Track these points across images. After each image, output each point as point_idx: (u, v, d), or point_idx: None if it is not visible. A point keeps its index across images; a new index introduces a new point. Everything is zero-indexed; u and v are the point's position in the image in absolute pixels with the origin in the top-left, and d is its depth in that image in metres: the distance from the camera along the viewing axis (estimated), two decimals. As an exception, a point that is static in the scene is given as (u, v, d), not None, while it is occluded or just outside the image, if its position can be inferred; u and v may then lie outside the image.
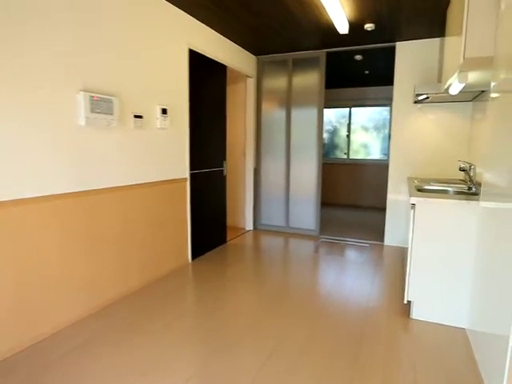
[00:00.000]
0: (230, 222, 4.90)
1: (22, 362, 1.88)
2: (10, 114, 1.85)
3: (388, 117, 6.51)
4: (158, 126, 2.93)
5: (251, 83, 4.60)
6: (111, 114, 2.38)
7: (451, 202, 2.23)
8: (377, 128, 6.67)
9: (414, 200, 2.32)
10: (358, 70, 5.35)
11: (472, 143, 3.49)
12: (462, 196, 2.41)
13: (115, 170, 2.54)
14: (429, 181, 3.38)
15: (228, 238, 4.34)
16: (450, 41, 2.81)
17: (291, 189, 4.70)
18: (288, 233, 4.73)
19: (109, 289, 2.55)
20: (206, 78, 3.64)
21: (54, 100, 2.06)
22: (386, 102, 6.36)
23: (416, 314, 2.41)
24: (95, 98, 2.25)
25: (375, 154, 6.72)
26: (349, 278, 3.15)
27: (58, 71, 2.07)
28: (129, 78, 2.61)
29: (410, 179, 3.57)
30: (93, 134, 2.33)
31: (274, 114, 4.68)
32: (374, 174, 6.66)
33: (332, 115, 6.97)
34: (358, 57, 4.55)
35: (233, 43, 4.04)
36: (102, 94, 2.35)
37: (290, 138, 4.62)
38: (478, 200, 2.18)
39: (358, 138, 6.82)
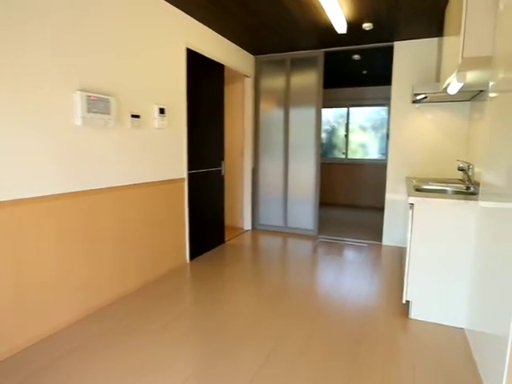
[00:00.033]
0: (228, 222, 4.88)
1: (20, 363, 1.87)
2: (7, 114, 1.83)
3: (386, 116, 6.51)
4: (156, 126, 2.92)
5: (249, 83, 4.59)
6: (108, 114, 2.37)
7: (450, 202, 2.22)
8: (375, 128, 6.67)
9: (412, 200, 2.31)
10: (356, 70, 5.35)
11: (470, 143, 3.49)
12: (460, 196, 2.41)
13: (112, 170, 2.52)
14: (427, 180, 3.38)
15: (226, 238, 4.33)
16: (448, 40, 2.80)
17: (289, 189, 4.69)
18: (286, 233, 4.72)
19: (106, 289, 2.53)
20: (204, 78, 3.62)
21: (50, 100, 2.04)
22: (384, 101, 6.37)
23: (415, 313, 2.41)
24: (92, 98, 2.23)
25: (373, 153, 6.73)
26: (347, 277, 3.14)
27: (55, 71, 2.06)
28: (126, 77, 2.59)
29: (409, 179, 3.57)
30: (90, 133, 2.31)
31: (272, 113, 4.68)
32: (372, 174, 6.66)
33: (330, 115, 6.97)
34: (356, 56, 4.54)
35: (231, 42, 4.03)
36: (99, 93, 2.34)
37: (288, 138, 4.61)
38: (476, 200, 2.18)
39: (356, 137, 6.82)
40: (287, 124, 4.59)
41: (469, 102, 3.65)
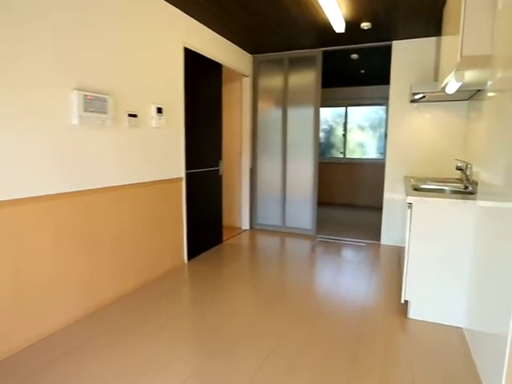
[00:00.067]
0: (226, 221, 4.87)
1: (19, 363, 1.86)
2: (2, 113, 1.81)
3: (384, 116, 6.51)
4: (153, 125, 2.90)
5: (247, 82, 4.58)
6: (105, 113, 2.35)
7: (448, 202, 2.22)
8: (373, 127, 6.67)
9: (410, 199, 2.31)
10: (355, 69, 5.35)
11: (468, 142, 3.50)
12: (458, 195, 2.41)
13: (110, 169, 2.50)
14: (425, 180, 3.38)
15: (224, 238, 4.32)
16: (446, 40, 2.80)
17: (287, 188, 4.68)
18: (284, 232, 4.71)
19: (105, 289, 2.52)
20: (202, 77, 3.61)
21: (46, 99, 2.03)
22: (382, 101, 6.37)
23: (413, 313, 2.41)
24: (89, 97, 2.22)
25: (371, 153, 6.73)
26: (346, 277, 3.14)
27: (51, 69, 2.04)
28: (123, 76, 2.58)
29: (407, 178, 3.57)
30: (86, 133, 2.30)
31: (270, 113, 4.67)
32: (371, 173, 6.66)
33: (328, 114, 6.97)
34: (355, 56, 4.54)
35: (229, 42, 4.02)
36: (96, 92, 2.32)
37: (286, 138, 4.60)
38: (474, 199, 2.18)
39: (354, 137, 6.82)
40: (285, 123, 4.59)
41: (466, 102, 3.66)
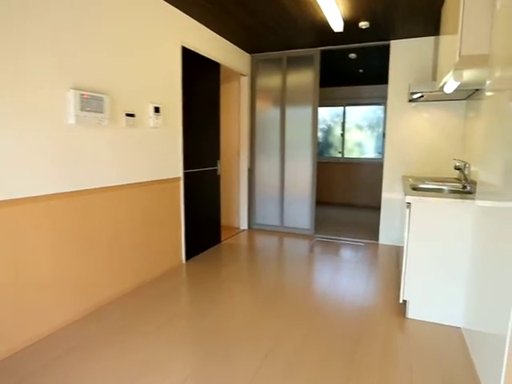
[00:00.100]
0: (224, 221, 4.86)
1: (18, 363, 1.85)
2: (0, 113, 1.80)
3: (382, 115, 6.51)
4: (151, 125, 2.89)
5: (245, 82, 4.57)
6: (102, 113, 2.34)
7: (446, 201, 2.22)
8: (371, 127, 6.67)
9: (409, 199, 2.30)
10: (353, 69, 5.35)
11: (466, 142, 3.50)
12: (456, 195, 2.40)
13: (107, 169, 2.49)
14: (423, 179, 3.38)
15: (222, 238, 4.31)
16: (444, 39, 2.80)
17: (286, 188, 4.68)
18: (283, 232, 4.71)
19: (103, 289, 2.51)
20: (200, 76, 3.59)
21: (42, 98, 2.01)
22: (381, 100, 6.37)
23: (412, 313, 2.40)
24: (85, 96, 2.20)
25: (370, 152, 6.73)
26: (344, 277, 3.13)
27: (48, 69, 2.02)
28: (120, 75, 2.56)
29: (405, 178, 3.56)
30: (83, 132, 2.28)
31: (268, 112, 4.66)
32: (369, 173, 6.66)
33: (326, 114, 6.96)
34: (353, 55, 4.54)
35: (227, 41, 4.00)
36: (93, 92, 2.30)
37: (284, 137, 4.60)
38: (472, 199, 2.18)
39: (352, 136, 6.82)
40: (283, 123, 4.58)
41: (464, 101, 3.66)
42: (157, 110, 2.91)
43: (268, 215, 4.80)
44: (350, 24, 3.42)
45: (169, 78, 3.10)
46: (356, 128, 6.77)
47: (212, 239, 4.01)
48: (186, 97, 3.34)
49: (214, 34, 3.74)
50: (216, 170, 3.98)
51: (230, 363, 1.88)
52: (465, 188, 2.82)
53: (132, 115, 2.67)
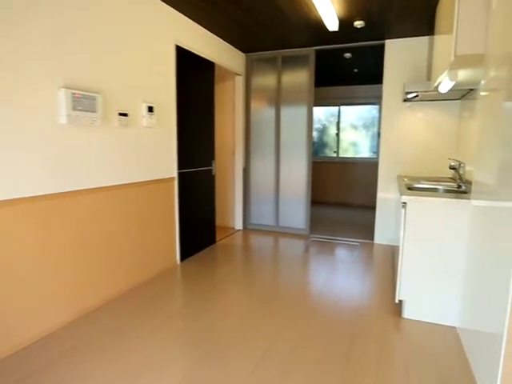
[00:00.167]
0: (219, 221, 4.83)
1: (10, 367, 1.81)
2: (-14, 111, 1.76)
3: (377, 115, 6.53)
4: (144, 125, 2.85)
5: (240, 81, 4.54)
6: (94, 112, 2.30)
7: (441, 201, 2.22)
8: (366, 126, 6.68)
9: (405, 199, 2.30)
10: (348, 68, 5.34)
11: (460, 141, 3.51)
12: (451, 194, 2.40)
13: (100, 169, 2.45)
14: (418, 179, 3.38)
15: (217, 238, 4.28)
16: (439, 39, 2.80)
17: (281, 188, 4.66)
18: (278, 232, 4.69)
19: (97, 291, 2.47)
20: (194, 76, 3.56)
21: (32, 97, 1.97)
22: (375, 100, 6.38)
23: (407, 313, 2.40)
24: (77, 95, 2.16)
25: (364, 152, 6.74)
26: (340, 277, 3.13)
27: (37, 67, 1.98)
28: (113, 74, 2.52)
29: (400, 177, 3.57)
30: (75, 132, 2.24)
31: (263, 112, 4.64)
32: (364, 173, 6.67)
33: (321, 114, 6.96)
34: (348, 55, 4.53)
35: (221, 40, 3.98)
36: (85, 90, 2.27)
37: (279, 137, 4.58)
38: (467, 198, 2.18)
39: (347, 136, 6.83)
40: (278, 123, 4.56)
41: (459, 101, 3.67)
42: (150, 109, 2.88)
43: (263, 215, 4.78)
44: (345, 23, 3.41)
45: (163, 77, 3.07)
46: (351, 128, 6.78)
47: (207, 239, 3.99)
48: (180, 96, 3.31)
49: (208, 32, 3.71)
50: (211, 169, 3.96)
51: (226, 364, 1.86)
52: (460, 187, 2.83)
53: (125, 115, 2.63)
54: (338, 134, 6.85)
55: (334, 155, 6.92)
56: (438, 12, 2.95)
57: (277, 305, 2.56)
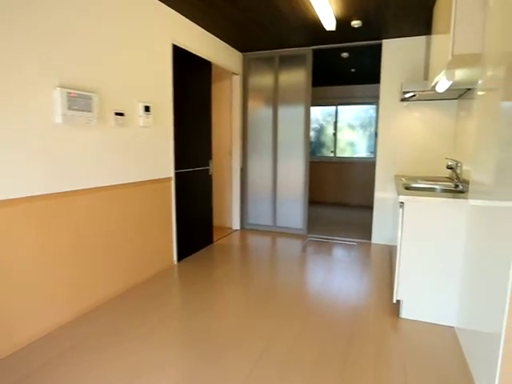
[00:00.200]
0: (216, 221, 4.82)
1: (8, 367, 1.80)
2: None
3: (374, 115, 6.53)
4: (141, 124, 2.83)
5: (237, 80, 4.53)
6: (90, 111, 2.28)
7: (439, 200, 2.21)
8: (363, 126, 6.69)
9: (402, 198, 2.30)
10: (345, 68, 5.34)
11: (458, 141, 3.51)
12: (449, 194, 2.40)
13: (96, 169, 2.43)
14: (416, 179, 3.38)
15: (215, 239, 4.27)
16: (436, 38, 2.80)
17: (278, 188, 4.65)
18: (275, 232, 4.68)
19: (95, 291, 2.46)
20: (191, 75, 3.55)
21: (28, 96, 1.95)
22: (373, 99, 6.39)
23: (405, 313, 2.40)
24: (72, 95, 2.14)
25: (362, 152, 6.75)
26: (337, 277, 3.12)
27: (32, 66, 1.96)
28: (109, 74, 2.50)
29: (397, 177, 3.57)
30: (71, 132, 2.22)
31: (260, 112, 4.62)
32: (361, 172, 6.68)
33: (318, 113, 6.96)
34: (345, 54, 4.53)
35: (218, 39, 3.96)
36: (81, 90, 2.25)
37: (276, 137, 4.57)
38: (465, 198, 2.18)
39: (344, 136, 6.83)
40: (276, 122, 4.55)
41: (456, 101, 3.67)
42: (147, 108, 2.86)
43: (260, 215, 4.77)
44: (342, 23, 3.41)
45: (159, 76, 3.05)
46: (348, 127, 6.78)
47: (204, 240, 3.97)
48: (177, 96, 3.30)
49: (205, 31, 3.69)
50: (208, 169, 3.94)
51: (223, 364, 1.85)
52: (457, 187, 2.83)
53: (121, 114, 2.61)
54: (335, 134, 6.85)
55: (332, 155, 6.92)
56: (435, 11, 2.95)
57: (274, 305, 2.56)
